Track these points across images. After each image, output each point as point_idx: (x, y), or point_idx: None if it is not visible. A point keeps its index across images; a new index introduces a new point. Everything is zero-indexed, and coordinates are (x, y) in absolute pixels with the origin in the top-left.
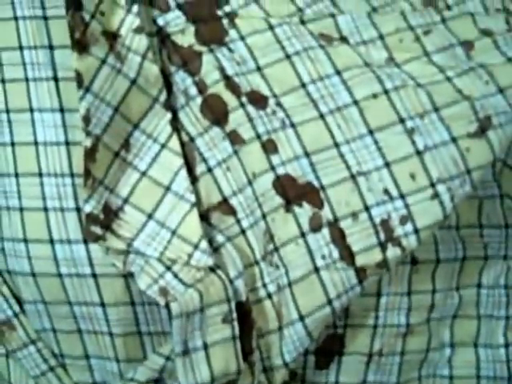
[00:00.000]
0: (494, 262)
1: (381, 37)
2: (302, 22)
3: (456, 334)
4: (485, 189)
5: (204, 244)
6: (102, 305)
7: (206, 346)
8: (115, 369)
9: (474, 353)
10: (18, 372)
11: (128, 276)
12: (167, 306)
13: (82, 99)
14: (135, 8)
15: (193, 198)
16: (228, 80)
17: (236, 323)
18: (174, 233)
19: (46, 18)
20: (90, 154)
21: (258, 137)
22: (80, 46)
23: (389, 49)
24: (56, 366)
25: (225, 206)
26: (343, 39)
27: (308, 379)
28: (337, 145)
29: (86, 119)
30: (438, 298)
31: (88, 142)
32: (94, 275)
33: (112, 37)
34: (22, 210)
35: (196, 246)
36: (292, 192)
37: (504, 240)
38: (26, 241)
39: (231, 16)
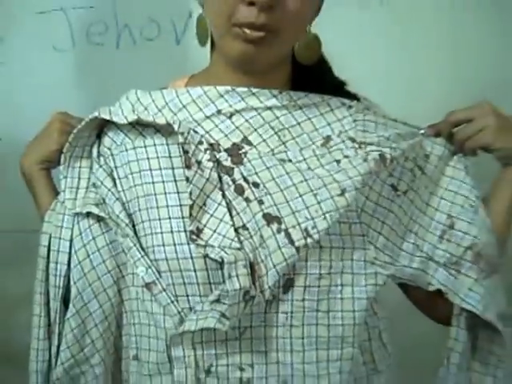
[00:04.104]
0: (356, 262)
1: (304, 159)
2: (273, 154)
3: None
4: (350, 218)
5: (236, 239)
6: (195, 271)
7: (237, 275)
8: (199, 300)
9: (351, 297)
10: (156, 306)
11: (205, 256)
12: (222, 260)
13: (188, 186)
14: (208, 152)
15: (231, 223)
16: (245, 178)
17: (249, 268)
18: (224, 236)
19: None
20: (191, 208)
21: (256, 199)
22: (188, 170)
23: (307, 164)
24: (173, 300)
25: (243, 227)
26: (290, 161)
27: (280, 298)
28: (287, 201)
29: (190, 194)
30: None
31: (190, 202)
32: (192, 257)
33: (198, 163)
34: (162, 233)
35: (232, 240)
36: (269, 219)
37: (362, 247)
38: (163, 245)
39: (245, 154)
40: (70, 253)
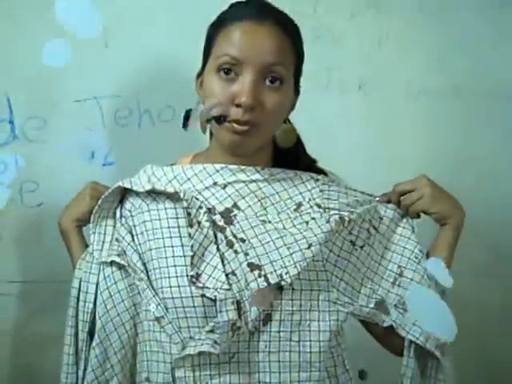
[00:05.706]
0: (321, 302)
1: (281, 221)
2: (256, 217)
3: (312, 324)
4: (317, 266)
5: (226, 282)
6: (194, 307)
7: (226, 310)
8: (197, 331)
9: (318, 330)
10: (164, 335)
11: (202, 296)
12: (216, 299)
13: (190, 241)
14: (206, 214)
15: (223, 269)
16: (234, 235)
17: (236, 305)
18: (217, 280)
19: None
20: (192, 258)
21: (242, 251)
22: (190, 228)
23: (283, 224)
24: (177, 331)
25: (232, 273)
26: (269, 222)
27: (260, 329)
28: (266, 253)
29: (191, 247)
30: (301, 304)
31: (191, 254)
32: (192, 296)
33: (199, 223)
34: (169, 277)
35: (223, 283)
36: (252, 267)
37: (327, 290)
38: (170, 287)
39: (235, 216)
40: (95, 294)
